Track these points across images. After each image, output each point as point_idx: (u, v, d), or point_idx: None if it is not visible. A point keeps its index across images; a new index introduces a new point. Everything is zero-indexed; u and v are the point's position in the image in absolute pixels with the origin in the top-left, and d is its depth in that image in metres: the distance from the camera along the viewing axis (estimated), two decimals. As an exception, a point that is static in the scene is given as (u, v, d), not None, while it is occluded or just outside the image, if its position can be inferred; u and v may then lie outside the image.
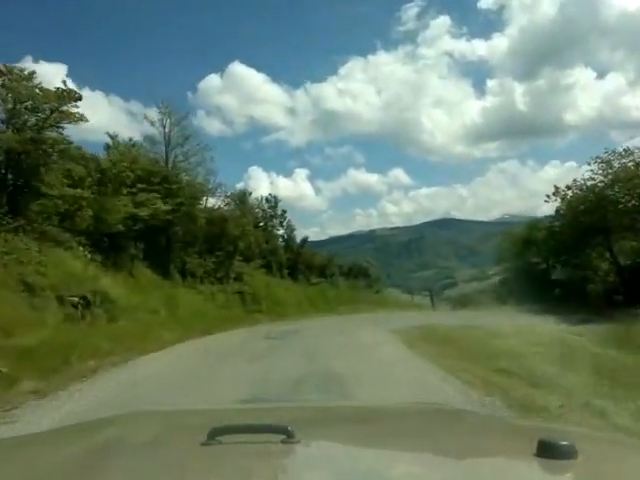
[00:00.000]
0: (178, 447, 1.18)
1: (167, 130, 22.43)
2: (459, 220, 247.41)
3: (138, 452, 1.17)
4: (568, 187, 22.78)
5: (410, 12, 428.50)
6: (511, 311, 20.15)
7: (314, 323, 19.20)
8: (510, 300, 25.49)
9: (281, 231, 33.56)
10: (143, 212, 16.63)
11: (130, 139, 21.86)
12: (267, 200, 32.79)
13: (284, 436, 1.02)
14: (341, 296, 33.30)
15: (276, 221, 33.13)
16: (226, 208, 25.61)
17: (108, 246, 15.77)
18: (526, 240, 28.77)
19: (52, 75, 39.40)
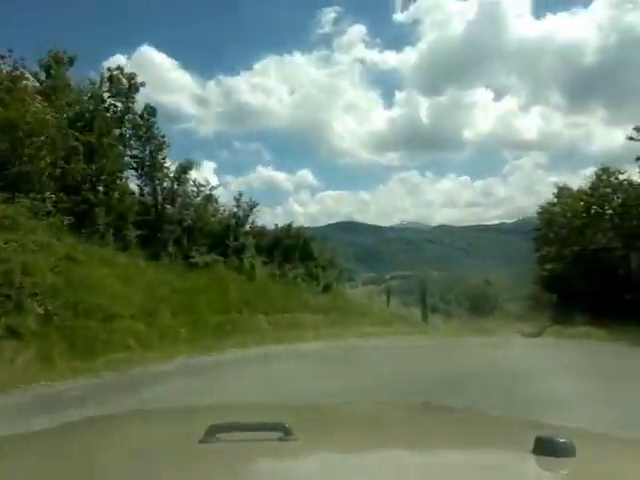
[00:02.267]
0: (175, 445, 1.18)
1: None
2: (361, 224, 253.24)
3: (135, 450, 1.15)
4: None
5: (328, 16, 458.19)
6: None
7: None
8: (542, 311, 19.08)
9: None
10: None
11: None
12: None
13: (282, 434, 1.03)
14: (259, 296, 15.53)
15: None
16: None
17: None
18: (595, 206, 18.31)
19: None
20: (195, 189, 17.08)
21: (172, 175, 16.45)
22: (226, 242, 16.80)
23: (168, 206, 16.52)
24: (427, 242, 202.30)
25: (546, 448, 0.93)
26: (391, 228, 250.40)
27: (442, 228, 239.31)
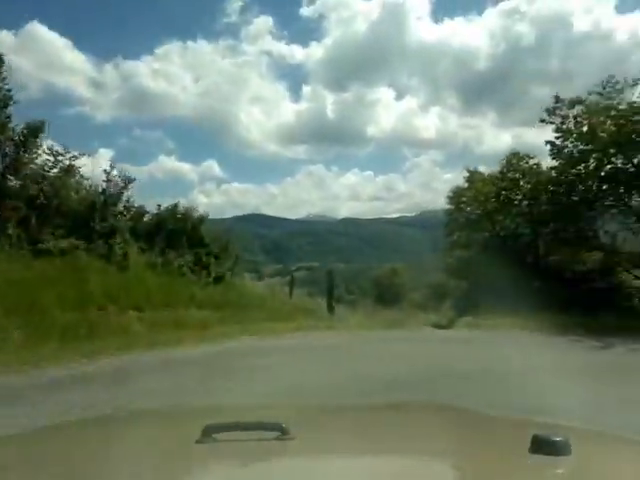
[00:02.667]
0: (172, 445, 1.18)
1: None
2: (268, 216, 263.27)
3: (131, 451, 1.16)
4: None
5: (235, 5, 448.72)
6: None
7: None
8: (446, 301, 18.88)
9: None
10: None
11: None
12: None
13: (278, 433, 1.03)
14: (132, 290, 12.33)
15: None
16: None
17: None
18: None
19: None
20: (52, 159, 13.52)
21: (17, 138, 12.76)
22: (91, 224, 13.61)
23: (11, 177, 12.98)
24: (333, 234, 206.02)
25: (543, 447, 0.94)
26: (298, 221, 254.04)
27: (347, 221, 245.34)
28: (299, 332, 12.68)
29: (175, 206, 16.22)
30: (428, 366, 7.44)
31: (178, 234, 15.63)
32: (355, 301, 33.76)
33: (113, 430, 1.41)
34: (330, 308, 17.10)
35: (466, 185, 18.47)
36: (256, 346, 10.34)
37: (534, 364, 7.43)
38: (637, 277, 15.95)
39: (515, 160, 17.59)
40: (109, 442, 1.26)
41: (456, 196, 18.62)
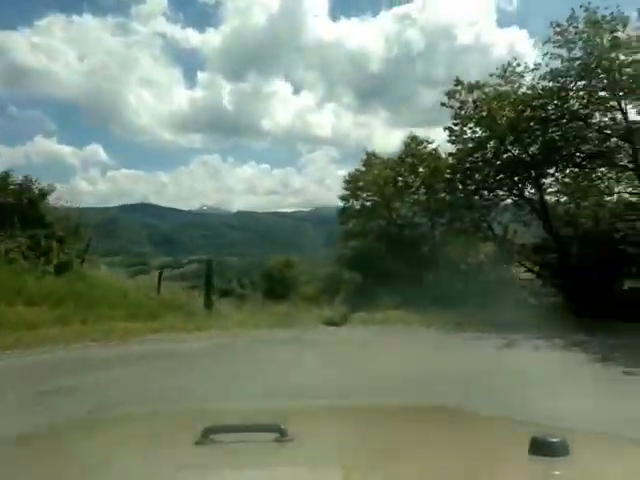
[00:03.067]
0: (171, 446, 1.18)
1: None
2: (158, 207, 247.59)
3: (131, 452, 1.16)
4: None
5: None
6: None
7: None
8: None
9: None
10: None
11: None
12: None
13: (277, 435, 1.03)
14: None
15: None
16: None
17: None
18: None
19: None
20: None
21: None
22: None
23: None
24: (228, 228, 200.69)
25: (541, 448, 0.95)
26: (191, 212, 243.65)
27: (243, 214, 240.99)
28: (159, 334, 10.14)
29: (5, 176, 12.56)
30: (313, 389, 5.36)
31: (9, 211, 12.30)
32: (245, 295, 31.47)
33: (113, 432, 1.41)
34: (208, 304, 14.59)
35: (363, 169, 17.07)
36: (88, 355, 7.72)
37: (445, 372, 6.31)
38: (529, 269, 15.63)
39: (414, 144, 16.52)
40: (109, 444, 1.25)
41: (353, 180, 17.13)
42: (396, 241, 16.36)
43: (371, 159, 17.01)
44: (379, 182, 16.48)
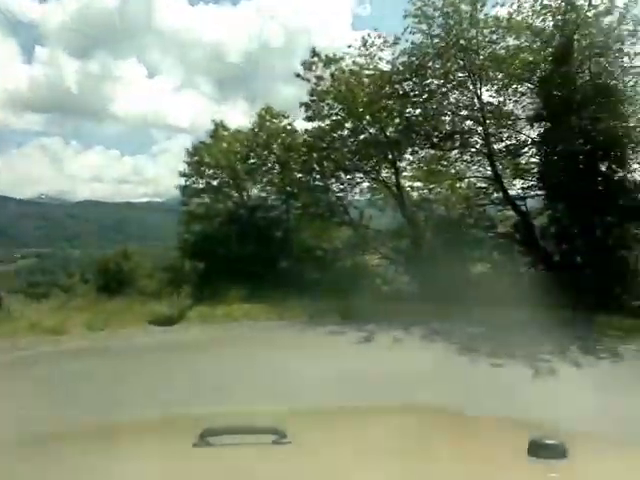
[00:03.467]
0: (170, 448, 1.19)
1: None
2: None
3: (130, 455, 1.15)
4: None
5: None
6: None
7: None
8: None
9: None
10: None
11: None
12: None
13: (275, 437, 1.04)
14: None
15: None
16: None
17: None
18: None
19: None
20: None
21: None
22: None
23: None
24: (69, 218, 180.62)
25: (540, 450, 0.97)
26: (26, 201, 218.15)
27: (87, 203, 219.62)
28: None
29: None
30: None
31: None
32: (75, 290, 26.94)
33: (112, 435, 1.40)
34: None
35: (210, 141, 14.79)
36: None
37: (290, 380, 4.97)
38: (385, 256, 14.93)
39: (268, 116, 14.74)
40: (108, 447, 1.25)
41: (196, 154, 14.76)
42: (246, 225, 14.46)
43: (219, 130, 14.82)
44: (229, 157, 14.38)
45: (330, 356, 6.78)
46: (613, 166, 11.35)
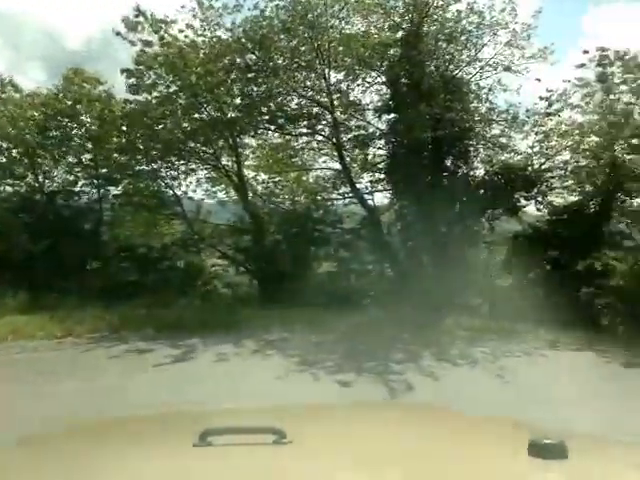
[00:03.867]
0: (170, 448, 1.18)
1: None
2: None
3: (131, 454, 1.15)
4: None
5: None
6: None
7: None
8: None
9: None
10: None
11: None
12: None
13: (275, 436, 1.03)
14: None
15: None
16: None
17: None
18: None
19: None
20: None
21: None
22: None
23: None
24: None
25: (540, 450, 0.97)
26: None
27: None
28: None
29: None
30: None
31: None
32: None
33: (112, 433, 1.41)
34: None
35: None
36: None
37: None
38: (224, 254, 12.99)
39: (78, 79, 11.77)
40: (108, 445, 1.24)
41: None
42: (43, 215, 11.33)
43: (7, 90, 11.41)
44: (20, 126, 11.11)
45: (102, 388, 4.68)
46: (457, 162, 11.04)
